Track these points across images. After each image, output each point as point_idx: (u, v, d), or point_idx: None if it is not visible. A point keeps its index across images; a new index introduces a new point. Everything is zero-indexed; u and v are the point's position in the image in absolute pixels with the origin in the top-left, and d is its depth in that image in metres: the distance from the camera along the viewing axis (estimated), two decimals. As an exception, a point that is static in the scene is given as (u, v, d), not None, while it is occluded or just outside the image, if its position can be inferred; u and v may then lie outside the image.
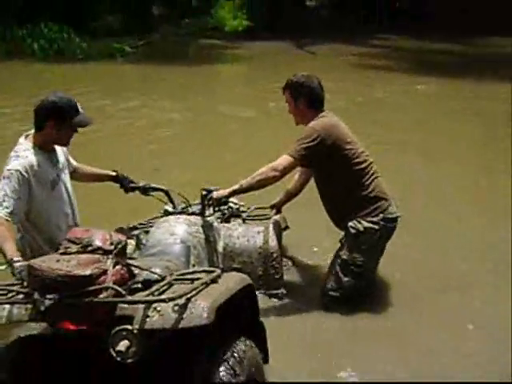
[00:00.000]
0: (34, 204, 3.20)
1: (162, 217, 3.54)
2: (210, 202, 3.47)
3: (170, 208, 3.65)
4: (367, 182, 3.52)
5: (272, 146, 6.20)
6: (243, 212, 3.91)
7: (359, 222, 3.48)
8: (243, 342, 2.43)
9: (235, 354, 2.35)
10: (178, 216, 3.44)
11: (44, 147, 3.28)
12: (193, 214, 3.51)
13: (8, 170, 3.10)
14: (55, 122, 3.19)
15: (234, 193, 3.45)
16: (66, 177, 3.43)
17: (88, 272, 2.15)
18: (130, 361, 2.09)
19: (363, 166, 3.53)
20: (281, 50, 15.88)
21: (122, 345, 2.08)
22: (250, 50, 15.51)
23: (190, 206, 3.63)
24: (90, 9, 16.14)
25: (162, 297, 2.17)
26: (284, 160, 3.43)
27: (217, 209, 3.65)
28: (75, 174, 3.63)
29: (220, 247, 3.53)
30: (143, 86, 11.04)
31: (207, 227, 3.44)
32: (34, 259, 2.31)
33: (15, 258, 2.85)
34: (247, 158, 6.34)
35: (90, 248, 2.28)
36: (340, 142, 3.48)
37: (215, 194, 3.41)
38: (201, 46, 16.20)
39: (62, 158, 3.42)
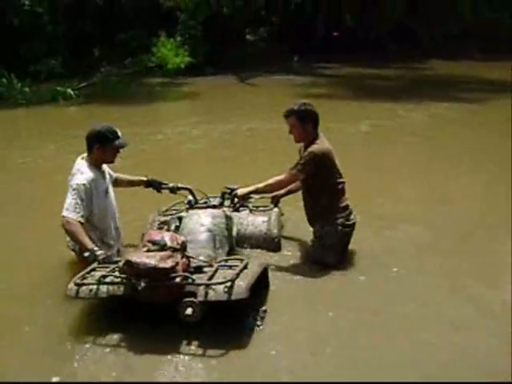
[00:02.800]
0: (95, 208, 4.16)
1: (187, 207, 4.65)
2: (235, 198, 4.50)
3: (192, 199, 4.72)
4: (336, 197, 4.46)
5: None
6: (249, 203, 4.87)
7: (322, 228, 4.44)
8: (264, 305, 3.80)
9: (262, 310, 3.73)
10: (205, 210, 4.50)
11: (96, 165, 4.26)
12: (214, 206, 4.58)
13: (76, 184, 4.07)
14: (100, 146, 4.19)
15: (253, 192, 4.42)
16: (111, 188, 4.43)
17: (169, 265, 3.42)
18: (193, 321, 3.37)
19: (338, 185, 4.47)
20: (223, 84, 16.09)
21: (189, 311, 3.36)
22: (193, 87, 15.64)
23: (208, 198, 4.71)
24: (29, 52, 16.03)
25: (218, 281, 3.43)
26: (289, 175, 4.36)
27: (230, 202, 4.59)
28: (116, 183, 4.59)
29: (234, 232, 4.54)
30: (88, 127, 10.94)
31: (225, 217, 4.45)
32: (129, 255, 3.54)
33: (95, 248, 3.90)
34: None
35: (165, 247, 3.50)
36: (329, 166, 4.41)
37: (240, 192, 4.37)
38: (144, 84, 16.23)
39: (107, 175, 4.41)
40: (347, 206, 4.51)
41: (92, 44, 18.48)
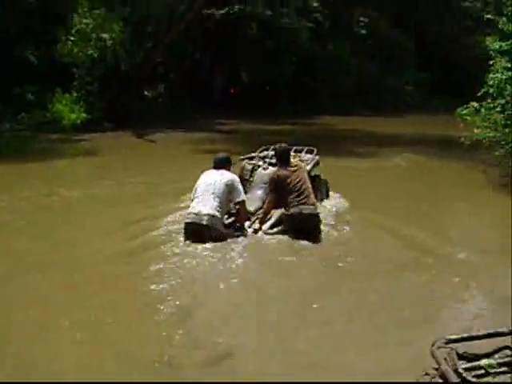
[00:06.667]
0: None
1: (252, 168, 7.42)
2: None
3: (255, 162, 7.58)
4: (288, 198, 6.57)
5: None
6: None
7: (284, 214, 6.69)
8: None
9: None
10: (265, 169, 7.26)
11: None
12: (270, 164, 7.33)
13: (236, 179, 6.61)
14: (230, 165, 6.86)
15: (262, 220, 6.71)
16: None
17: None
18: None
19: (291, 193, 6.56)
20: (121, 140, 15.98)
21: None
22: (91, 143, 15.31)
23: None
24: None
25: None
26: (270, 198, 6.74)
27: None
28: None
29: None
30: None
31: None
32: None
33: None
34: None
35: None
36: (282, 182, 6.59)
37: (258, 227, 6.72)
38: (40, 141, 15.70)
39: None
40: (294, 205, 6.53)
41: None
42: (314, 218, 6.63)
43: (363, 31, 28.12)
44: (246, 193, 6.79)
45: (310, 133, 18.06)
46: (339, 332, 4.46)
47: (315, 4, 26.24)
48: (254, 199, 6.92)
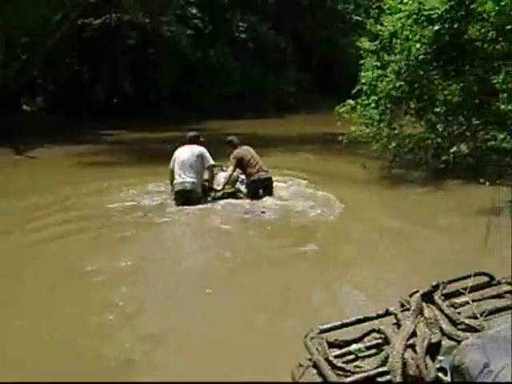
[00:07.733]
0: None
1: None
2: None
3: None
4: (248, 170, 8.95)
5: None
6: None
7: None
8: None
9: None
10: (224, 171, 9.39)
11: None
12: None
13: (204, 150, 8.76)
14: (199, 140, 9.03)
15: (226, 183, 8.94)
16: None
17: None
18: None
19: (248, 166, 8.93)
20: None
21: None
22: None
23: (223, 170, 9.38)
24: None
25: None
26: (229, 169, 8.92)
27: None
28: None
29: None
30: None
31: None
32: None
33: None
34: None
35: None
36: (242, 157, 8.90)
37: (220, 188, 8.94)
38: None
39: None
40: (254, 173, 8.86)
41: None
42: (270, 180, 9.02)
43: (243, 36, 28.61)
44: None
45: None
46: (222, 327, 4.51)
47: (194, 11, 26.42)
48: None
